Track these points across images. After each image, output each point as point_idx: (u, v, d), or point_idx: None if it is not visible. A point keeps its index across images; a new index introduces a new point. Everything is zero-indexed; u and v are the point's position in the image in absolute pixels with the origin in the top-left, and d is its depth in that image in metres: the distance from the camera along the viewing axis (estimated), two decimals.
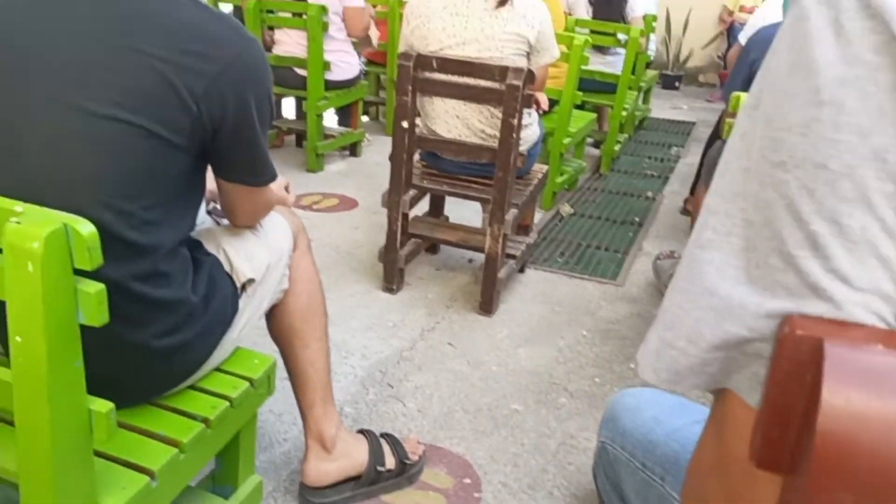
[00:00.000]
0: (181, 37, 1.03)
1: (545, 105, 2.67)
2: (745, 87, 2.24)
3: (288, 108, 4.39)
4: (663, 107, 6.08)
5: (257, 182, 1.22)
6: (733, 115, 1.90)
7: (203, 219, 1.32)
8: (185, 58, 1.02)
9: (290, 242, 1.48)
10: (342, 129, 4.31)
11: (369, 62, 4.68)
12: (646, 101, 5.43)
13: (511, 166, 2.32)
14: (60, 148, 1.01)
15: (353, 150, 4.19)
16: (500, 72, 2.26)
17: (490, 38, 2.35)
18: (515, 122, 2.27)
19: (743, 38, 3.06)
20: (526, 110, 2.36)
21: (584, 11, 4.45)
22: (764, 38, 2.22)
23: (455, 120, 2.45)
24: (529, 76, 2.27)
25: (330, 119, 4.44)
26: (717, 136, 2.48)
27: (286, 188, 1.63)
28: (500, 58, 2.35)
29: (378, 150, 4.24)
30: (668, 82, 6.90)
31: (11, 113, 1.03)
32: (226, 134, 1.10)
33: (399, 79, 2.35)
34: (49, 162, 1.02)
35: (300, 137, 4.18)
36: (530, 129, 2.53)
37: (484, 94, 2.34)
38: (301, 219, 1.64)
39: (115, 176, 1.02)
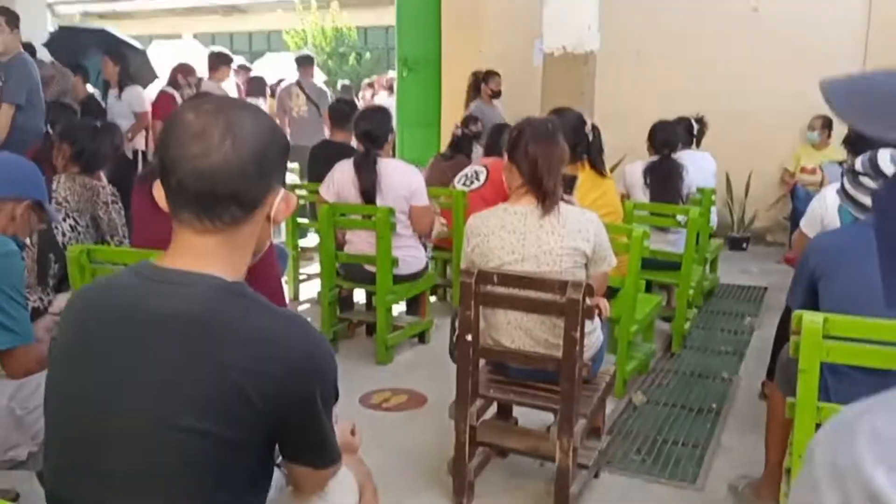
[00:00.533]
0: (255, 344, 1.12)
1: (607, 312, 2.70)
2: (807, 296, 2.22)
3: (359, 295, 4.54)
4: (732, 271, 6.02)
5: (321, 464, 1.26)
6: (797, 332, 1.88)
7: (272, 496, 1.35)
8: (257, 364, 1.10)
9: (355, 500, 1.49)
10: (411, 318, 4.41)
11: (435, 247, 4.85)
12: (713, 269, 5.40)
13: (576, 378, 2.32)
14: (139, 456, 1.08)
15: (421, 337, 4.27)
16: (560, 286, 2.32)
17: (548, 254, 2.42)
18: (577, 335, 2.29)
19: (805, 226, 3.06)
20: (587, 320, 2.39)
21: (640, 192, 4.55)
22: (822, 248, 2.23)
23: (518, 331, 2.49)
24: (589, 290, 2.32)
25: (398, 307, 4.56)
26: (785, 334, 2.44)
27: (352, 431, 1.67)
28: (558, 271, 2.41)
29: (446, 333, 4.29)
30: (735, 244, 6.87)
31: (100, 416, 1.12)
32: (292, 426, 1.16)
33: (462, 294, 2.43)
34: (127, 467, 1.09)
35: (370, 328, 4.29)
36: (593, 335, 2.55)
37: (545, 306, 2.38)
38: (367, 465, 1.65)
39: (188, 481, 1.08)
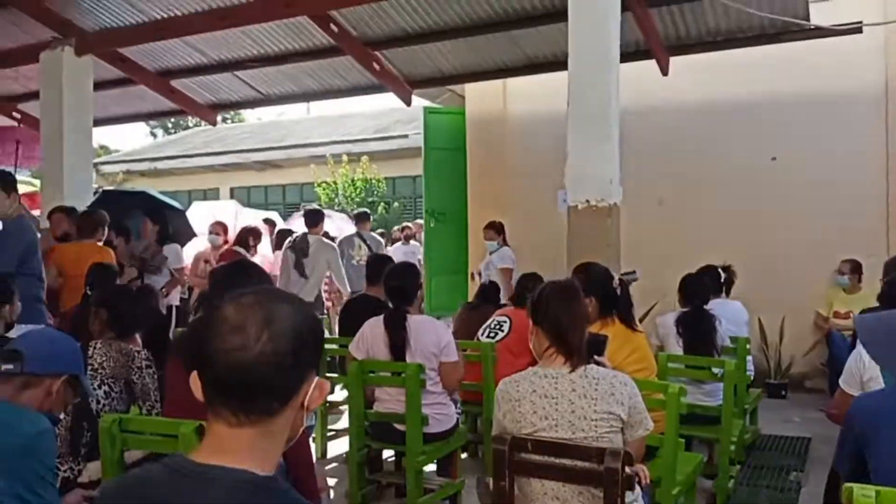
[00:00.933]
0: None
1: (647, 479, 2.60)
2: (854, 462, 2.13)
3: (387, 451, 4.43)
4: (774, 420, 5.82)
5: None
6: None
7: None
8: None
9: None
10: (441, 479, 4.27)
11: (465, 402, 4.77)
12: (753, 420, 5.23)
13: None
14: None
15: (453, 500, 4.12)
16: (597, 454, 2.25)
17: (582, 419, 2.37)
18: None
19: (845, 383, 2.98)
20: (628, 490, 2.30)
21: (674, 342, 4.50)
22: (865, 411, 2.16)
23: (555, 502, 2.39)
24: (628, 457, 2.25)
25: (429, 466, 4.43)
26: (834, 500, 2.32)
27: None
28: (594, 437, 2.35)
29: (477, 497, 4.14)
30: (774, 391, 6.68)
31: None
32: None
33: (495, 462, 2.37)
34: None
35: (400, 489, 4.16)
36: None
37: (583, 475, 2.30)
38: None
39: None
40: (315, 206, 9.01)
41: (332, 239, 8.61)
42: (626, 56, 5.71)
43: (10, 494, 1.90)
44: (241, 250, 6.96)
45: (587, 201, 4.82)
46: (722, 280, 5.27)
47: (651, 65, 6.54)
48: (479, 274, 7.22)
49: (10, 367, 2.09)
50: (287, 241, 7.32)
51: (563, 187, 5.00)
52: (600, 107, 4.78)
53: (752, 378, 5.18)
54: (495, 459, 2.36)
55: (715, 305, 4.71)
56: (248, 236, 7.18)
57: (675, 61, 6.64)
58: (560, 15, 5.62)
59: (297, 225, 10.68)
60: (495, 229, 7.10)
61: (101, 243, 5.62)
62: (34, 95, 7.26)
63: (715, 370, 4.07)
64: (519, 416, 2.43)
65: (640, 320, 4.97)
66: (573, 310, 2.51)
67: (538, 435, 2.38)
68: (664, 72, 6.62)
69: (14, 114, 8.46)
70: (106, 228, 5.73)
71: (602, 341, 2.85)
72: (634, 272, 4.90)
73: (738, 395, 4.46)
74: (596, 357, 2.73)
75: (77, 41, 6.53)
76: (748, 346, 4.88)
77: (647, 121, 7.21)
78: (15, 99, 8.35)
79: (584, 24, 4.78)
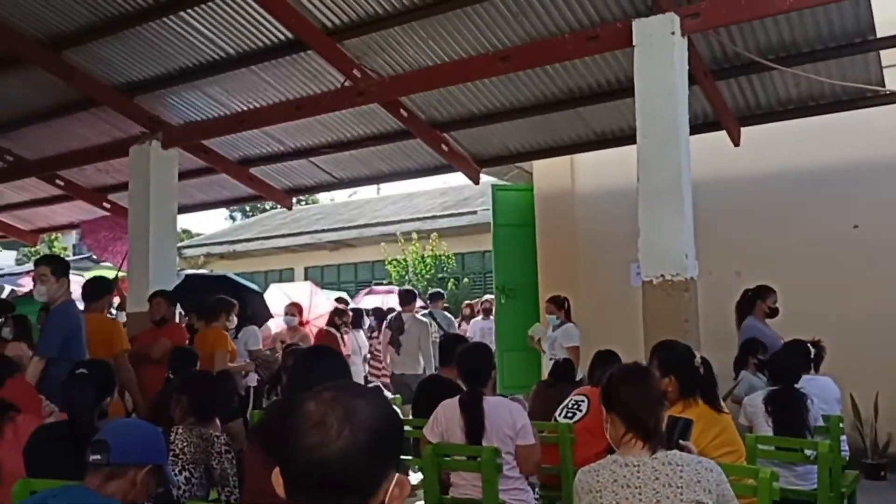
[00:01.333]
0: None
1: None
2: None
3: None
4: None
5: None
6: None
7: None
8: None
9: None
10: None
11: (542, 485, 4.63)
12: None
13: None
14: None
15: None
16: None
17: None
18: None
19: None
20: None
21: (763, 423, 4.29)
22: None
23: None
24: None
25: None
26: None
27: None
28: None
29: None
30: (872, 472, 6.25)
31: None
32: None
33: None
34: None
35: None
36: None
37: None
38: None
39: None
40: (406, 288, 9.76)
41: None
42: (696, 128, 5.69)
43: None
44: (332, 330, 7.70)
45: (662, 276, 4.73)
46: (811, 356, 5.03)
47: (722, 135, 6.48)
48: (538, 341, 7.22)
49: (98, 457, 2.14)
50: (385, 320, 8.24)
51: (635, 261, 4.93)
52: (671, 179, 4.74)
53: (847, 459, 4.86)
54: None
55: (805, 383, 4.49)
56: (334, 318, 7.95)
57: (747, 130, 6.56)
58: (626, 91, 5.67)
59: (366, 303, 10.92)
60: (556, 304, 6.99)
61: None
62: (123, 186, 7.69)
63: (808, 452, 3.85)
64: None
65: (723, 399, 4.79)
66: (645, 393, 2.46)
67: None
68: (735, 142, 6.54)
69: (104, 203, 8.95)
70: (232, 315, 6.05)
71: (687, 425, 2.74)
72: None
73: (834, 478, 4.18)
74: (681, 441, 2.63)
75: (164, 135, 6.92)
76: (841, 425, 4.61)
77: (720, 192, 7.09)
78: (105, 190, 8.86)
79: (651, 98, 4.79)
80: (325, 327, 7.86)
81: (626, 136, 6.42)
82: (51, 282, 4.60)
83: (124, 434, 2.23)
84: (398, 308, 8.46)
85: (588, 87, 6.20)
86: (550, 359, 6.08)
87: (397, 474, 1.27)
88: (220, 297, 6.07)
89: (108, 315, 5.95)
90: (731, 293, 6.98)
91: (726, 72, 5.87)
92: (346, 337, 7.99)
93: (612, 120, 6.64)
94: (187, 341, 5.77)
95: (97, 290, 5.42)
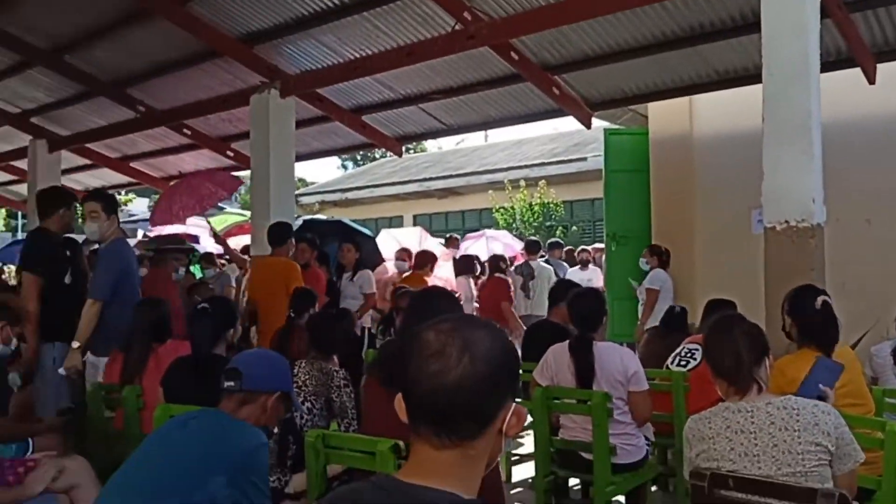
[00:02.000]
0: None
1: None
2: None
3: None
4: None
5: None
6: None
7: None
8: None
9: None
10: None
11: (656, 433, 4.59)
12: None
13: None
14: None
15: None
16: (808, 495, 2.09)
17: (786, 453, 2.21)
18: None
19: None
20: None
21: (892, 375, 4.08)
22: None
23: None
24: (843, 499, 2.06)
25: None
26: None
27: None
28: (802, 472, 2.18)
29: None
30: None
31: None
32: None
33: (694, 500, 2.26)
34: None
35: None
36: None
37: None
38: None
39: None
40: (532, 237, 10.24)
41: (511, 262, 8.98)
42: (827, 65, 5.31)
43: (229, 501, 2.08)
44: (501, 275, 8.02)
45: (786, 222, 4.50)
46: None
47: (856, 73, 6.02)
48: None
49: (232, 384, 2.30)
50: (514, 266, 8.70)
51: (757, 207, 4.71)
52: (799, 120, 4.45)
53: None
54: (694, 496, 2.25)
55: None
56: (499, 262, 8.32)
57: (884, 67, 6.07)
58: (751, 27, 5.35)
59: (474, 249, 10.97)
60: (651, 251, 7.46)
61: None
62: (245, 135, 8.00)
63: None
64: (715, 454, 2.31)
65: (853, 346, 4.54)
66: (735, 343, 2.41)
67: (739, 472, 2.25)
68: (871, 80, 6.07)
69: (228, 152, 9.36)
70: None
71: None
72: None
73: None
74: (821, 386, 2.58)
75: (282, 84, 7.12)
76: None
77: (852, 133, 6.63)
78: (228, 139, 9.25)
79: (780, 33, 4.49)
80: (496, 275, 8.11)
81: (749, 76, 6.08)
82: (102, 218, 4.48)
83: (255, 363, 2.38)
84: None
85: (710, 23, 5.88)
86: (673, 307, 5.93)
87: (514, 404, 1.30)
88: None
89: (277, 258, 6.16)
90: (860, 241, 6.60)
91: (863, 2, 5.42)
92: (456, 282, 8.09)
93: (736, 58, 6.29)
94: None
95: (282, 234, 5.94)
